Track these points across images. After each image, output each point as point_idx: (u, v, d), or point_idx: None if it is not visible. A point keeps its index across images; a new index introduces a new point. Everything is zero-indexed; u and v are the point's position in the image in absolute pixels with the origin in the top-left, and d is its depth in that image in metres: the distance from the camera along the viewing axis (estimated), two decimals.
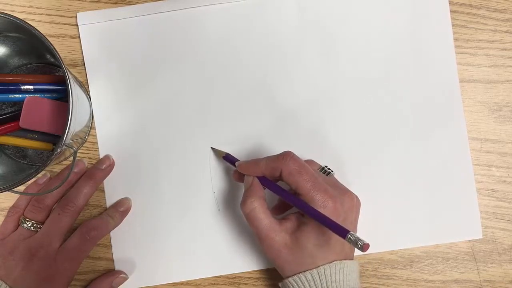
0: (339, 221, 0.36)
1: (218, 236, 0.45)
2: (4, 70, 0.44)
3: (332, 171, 0.41)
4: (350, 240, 0.33)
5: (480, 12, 0.47)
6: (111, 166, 0.45)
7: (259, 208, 0.38)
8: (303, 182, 0.37)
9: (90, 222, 0.43)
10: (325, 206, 0.36)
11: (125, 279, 0.44)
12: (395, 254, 0.45)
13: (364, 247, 0.32)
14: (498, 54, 0.47)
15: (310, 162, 0.42)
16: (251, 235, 0.45)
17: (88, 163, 0.45)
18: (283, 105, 0.46)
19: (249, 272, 0.45)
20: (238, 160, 0.43)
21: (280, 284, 0.40)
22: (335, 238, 0.37)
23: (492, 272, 0.45)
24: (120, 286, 0.44)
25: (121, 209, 0.44)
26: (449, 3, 0.46)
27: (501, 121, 0.46)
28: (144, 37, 0.45)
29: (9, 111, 0.44)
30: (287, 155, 0.38)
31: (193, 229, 0.45)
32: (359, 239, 0.32)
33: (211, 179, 0.45)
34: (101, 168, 0.44)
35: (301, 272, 0.37)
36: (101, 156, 0.45)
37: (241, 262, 0.45)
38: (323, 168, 0.41)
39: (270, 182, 0.40)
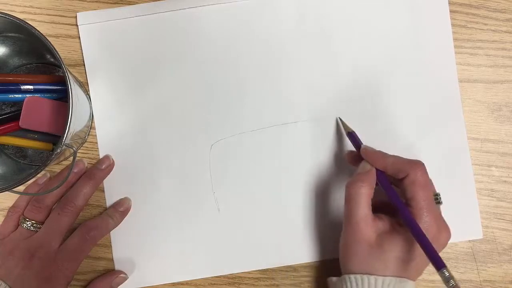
0: None
1: (218, 236, 0.45)
2: (4, 70, 0.44)
3: (441, 202, 0.40)
4: (443, 275, 0.32)
5: (480, 12, 0.47)
6: (111, 166, 0.45)
7: (365, 195, 0.38)
8: (421, 198, 0.37)
9: (90, 222, 0.43)
10: (427, 230, 0.36)
11: (125, 279, 0.44)
12: None
13: None
14: (498, 54, 0.47)
15: (431, 182, 0.41)
16: (251, 235, 0.45)
17: (88, 163, 0.45)
18: (283, 105, 0.46)
19: (249, 272, 0.45)
20: (362, 143, 0.42)
21: (334, 279, 0.39)
22: (418, 260, 0.36)
23: (492, 272, 0.46)
24: (120, 286, 0.44)
25: (121, 209, 0.44)
26: (449, 3, 0.46)
27: (501, 121, 0.46)
28: (144, 37, 0.45)
29: (9, 111, 0.44)
30: (419, 164, 0.38)
31: (193, 229, 0.45)
32: (453, 278, 0.32)
33: (211, 179, 0.45)
34: (101, 168, 0.44)
35: (367, 274, 0.37)
36: (101, 156, 0.45)
37: (241, 262, 0.45)
38: (437, 195, 0.40)
39: (387, 180, 0.39)
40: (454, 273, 0.45)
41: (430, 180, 0.40)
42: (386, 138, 0.46)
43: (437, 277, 0.45)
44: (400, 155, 0.39)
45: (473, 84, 0.46)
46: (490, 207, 0.46)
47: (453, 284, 0.31)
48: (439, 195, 0.40)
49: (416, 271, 0.37)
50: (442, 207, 0.45)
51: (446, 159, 0.46)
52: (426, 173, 0.38)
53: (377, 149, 0.41)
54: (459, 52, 0.46)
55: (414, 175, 0.37)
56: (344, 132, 0.45)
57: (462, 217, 0.45)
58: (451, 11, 0.46)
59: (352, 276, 0.37)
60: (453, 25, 0.46)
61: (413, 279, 0.37)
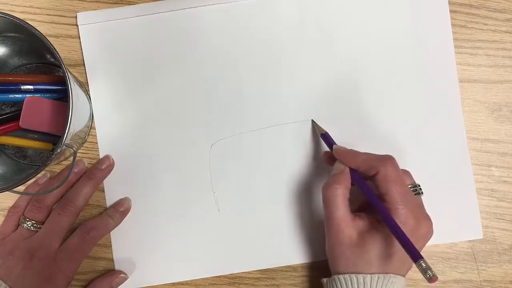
0: None
1: (218, 236, 0.45)
2: (4, 70, 0.44)
3: (422, 193, 0.40)
4: (420, 266, 0.32)
5: (480, 12, 0.47)
6: (111, 166, 0.45)
7: (341, 196, 0.38)
8: (395, 192, 0.37)
9: (90, 222, 0.43)
10: (405, 223, 0.36)
11: (125, 279, 0.44)
12: None
13: (432, 279, 0.31)
14: (498, 54, 0.47)
15: (406, 174, 0.41)
16: (251, 235, 0.45)
17: (88, 163, 0.45)
18: (283, 105, 0.46)
19: (249, 272, 0.45)
20: (335, 143, 0.42)
21: (325, 280, 0.40)
22: (400, 255, 0.36)
23: (492, 272, 0.46)
24: (120, 286, 0.44)
25: (121, 209, 0.44)
26: (449, 3, 0.46)
27: (501, 121, 0.47)
28: (144, 37, 0.45)
29: (9, 111, 0.44)
30: (389, 159, 0.38)
31: (193, 229, 0.45)
32: (430, 269, 0.32)
33: (211, 179, 0.45)
34: (101, 168, 0.44)
35: (354, 273, 0.37)
36: (101, 156, 0.45)
37: (241, 262, 0.45)
38: (415, 186, 0.40)
39: (361, 178, 0.39)
40: (454, 273, 0.45)
41: (407, 172, 0.41)
42: (386, 138, 0.46)
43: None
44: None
45: (473, 84, 0.46)
46: (490, 207, 0.46)
47: (430, 275, 0.31)
48: (419, 186, 0.40)
49: (401, 265, 0.37)
50: (441, 207, 0.45)
51: (446, 159, 0.46)
52: (397, 167, 0.38)
53: (376, 148, 0.41)
54: (459, 52, 0.46)
55: (384, 171, 0.37)
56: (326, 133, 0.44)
57: (462, 217, 0.45)
58: (451, 11, 0.46)
59: (341, 276, 0.38)
60: (453, 25, 0.46)
61: (401, 274, 0.38)
